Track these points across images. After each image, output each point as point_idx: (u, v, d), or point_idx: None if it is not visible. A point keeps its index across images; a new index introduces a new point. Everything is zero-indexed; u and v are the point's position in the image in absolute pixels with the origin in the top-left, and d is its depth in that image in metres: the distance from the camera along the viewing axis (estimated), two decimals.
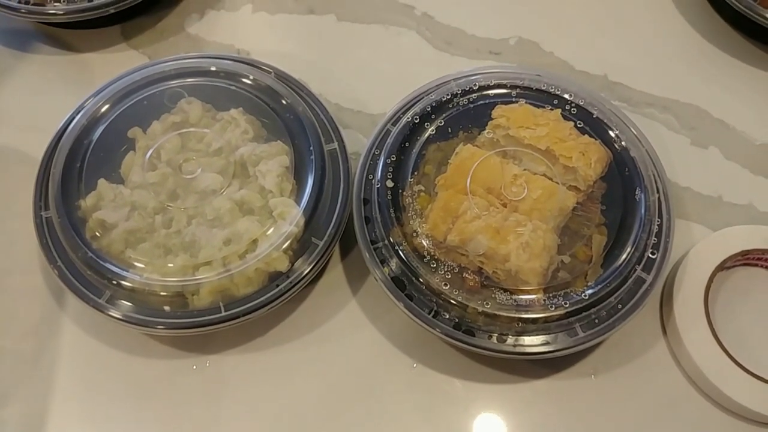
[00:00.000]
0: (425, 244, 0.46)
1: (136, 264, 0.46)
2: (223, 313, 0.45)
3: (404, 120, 0.51)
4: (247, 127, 0.51)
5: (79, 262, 0.47)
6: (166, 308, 0.46)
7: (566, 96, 0.52)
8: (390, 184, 0.48)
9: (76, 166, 0.50)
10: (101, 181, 0.49)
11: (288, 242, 0.47)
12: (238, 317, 0.46)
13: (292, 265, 0.47)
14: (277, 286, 0.46)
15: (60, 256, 0.48)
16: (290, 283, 0.46)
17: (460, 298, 0.45)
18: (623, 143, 0.50)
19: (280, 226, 0.47)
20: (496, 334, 0.45)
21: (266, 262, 0.46)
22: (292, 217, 0.47)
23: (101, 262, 0.46)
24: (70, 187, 0.49)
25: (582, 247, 0.47)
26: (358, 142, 0.58)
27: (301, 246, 0.48)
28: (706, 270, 0.50)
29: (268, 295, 0.46)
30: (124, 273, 0.46)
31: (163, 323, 0.46)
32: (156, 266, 0.46)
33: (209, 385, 0.49)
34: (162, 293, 0.46)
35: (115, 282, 0.46)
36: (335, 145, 0.52)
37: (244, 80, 0.54)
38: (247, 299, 0.46)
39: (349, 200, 0.49)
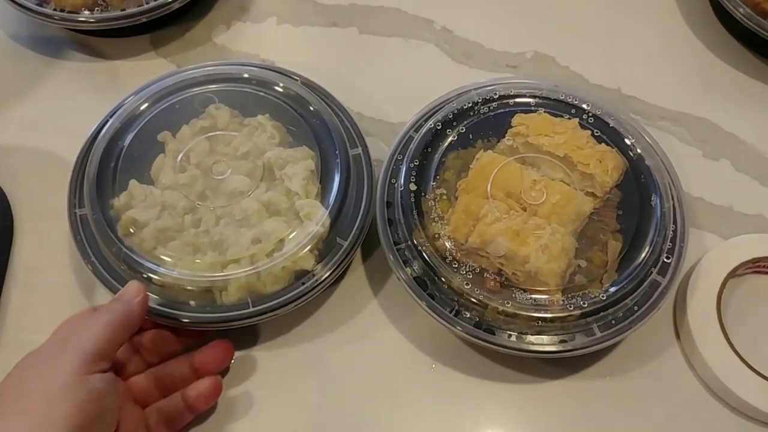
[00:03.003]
0: (447, 246, 0.48)
1: (166, 260, 0.48)
2: (251, 309, 0.47)
3: (426, 126, 0.53)
4: (273, 132, 0.53)
5: (112, 258, 0.48)
6: (193, 303, 0.47)
7: (584, 106, 0.53)
8: (413, 187, 0.50)
9: (110, 167, 0.51)
10: (133, 182, 0.51)
11: (314, 242, 0.48)
12: (266, 313, 0.47)
13: (318, 263, 0.48)
14: (303, 284, 0.48)
15: (93, 252, 0.49)
16: (316, 281, 0.48)
17: (481, 298, 0.46)
18: (639, 152, 0.51)
19: (307, 226, 0.49)
20: (516, 333, 0.46)
21: (293, 260, 0.48)
22: (318, 217, 0.49)
23: (134, 257, 0.48)
24: (104, 187, 0.51)
25: (598, 252, 0.48)
26: (379, 150, 0.59)
27: (326, 246, 0.49)
28: (718, 277, 0.51)
29: (295, 292, 0.47)
30: (156, 268, 0.47)
31: (192, 317, 0.47)
32: (186, 263, 0.48)
33: (233, 381, 0.50)
34: (191, 288, 0.47)
35: (146, 276, 0.47)
36: (359, 150, 0.53)
37: (273, 87, 0.55)
38: (274, 296, 0.47)
39: (373, 202, 0.51)
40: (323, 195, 0.50)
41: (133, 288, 0.44)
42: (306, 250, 0.48)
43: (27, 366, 0.39)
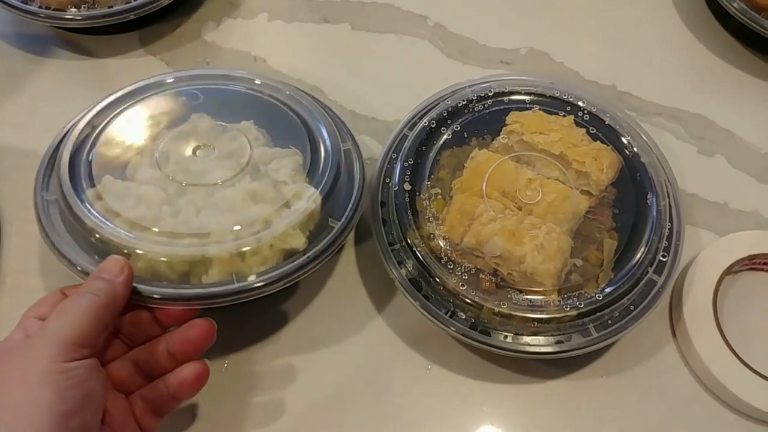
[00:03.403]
0: (442, 246, 0.47)
1: (143, 241, 0.44)
2: (236, 285, 0.43)
3: (421, 125, 0.52)
4: (258, 135, 0.51)
5: (80, 231, 0.45)
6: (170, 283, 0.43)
7: (579, 103, 0.53)
8: (407, 186, 0.50)
9: (82, 161, 0.49)
10: (107, 177, 0.48)
11: (304, 219, 0.45)
12: (252, 290, 0.43)
13: (309, 243, 0.45)
14: (294, 261, 0.44)
15: (60, 234, 0.46)
16: (308, 258, 0.44)
17: (476, 299, 0.46)
18: (634, 149, 0.51)
19: (296, 204, 0.46)
20: (512, 334, 0.46)
21: (281, 239, 0.44)
22: (308, 195, 0.47)
23: (105, 242, 0.43)
24: (77, 178, 0.47)
25: (593, 251, 0.48)
26: (373, 149, 0.59)
27: (317, 228, 0.46)
28: (714, 274, 0.51)
29: (284, 269, 0.44)
30: (131, 249, 0.43)
31: (167, 294, 0.42)
32: (163, 248, 0.43)
33: (225, 384, 0.49)
34: (170, 270, 0.43)
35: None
36: (349, 144, 0.52)
37: (257, 83, 0.54)
38: (261, 273, 0.44)
39: (366, 185, 0.50)
40: (313, 181, 0.48)
41: (114, 264, 0.40)
42: (296, 228, 0.45)
43: None
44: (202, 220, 0.45)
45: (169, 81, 0.54)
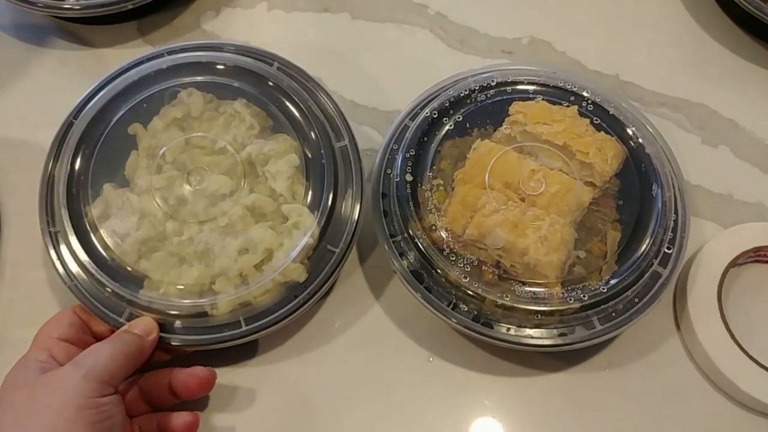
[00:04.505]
0: (444, 238, 0.47)
1: (151, 277, 0.46)
2: (244, 328, 0.46)
3: (422, 115, 0.51)
4: (252, 121, 0.50)
5: (94, 282, 0.46)
6: (181, 323, 0.46)
7: (583, 93, 0.52)
8: (409, 177, 0.49)
9: (80, 172, 0.49)
10: (107, 187, 0.48)
11: (304, 252, 0.46)
12: (259, 331, 0.46)
13: (309, 274, 0.47)
14: (296, 297, 0.46)
15: (75, 276, 0.47)
16: (309, 293, 0.46)
17: (478, 291, 0.45)
18: (639, 140, 0.50)
19: (296, 236, 0.46)
20: (514, 327, 0.45)
21: (283, 273, 0.46)
22: (307, 227, 0.47)
23: (117, 279, 0.46)
24: (77, 196, 0.48)
25: (597, 243, 0.47)
26: (374, 139, 0.58)
27: (317, 255, 0.47)
28: (719, 266, 0.50)
29: (288, 307, 0.46)
30: (140, 291, 0.46)
31: (182, 340, 0.46)
32: (172, 278, 0.46)
33: (229, 394, 0.49)
34: (181, 308, 0.46)
35: (131, 299, 0.45)
36: (345, 142, 0.50)
37: (249, 75, 0.52)
38: (267, 312, 0.46)
39: (363, 204, 0.49)
40: (310, 195, 0.48)
41: (146, 324, 0.45)
42: (297, 262, 0.46)
43: (28, 382, 0.40)
44: (206, 240, 0.47)
45: (155, 69, 0.52)
